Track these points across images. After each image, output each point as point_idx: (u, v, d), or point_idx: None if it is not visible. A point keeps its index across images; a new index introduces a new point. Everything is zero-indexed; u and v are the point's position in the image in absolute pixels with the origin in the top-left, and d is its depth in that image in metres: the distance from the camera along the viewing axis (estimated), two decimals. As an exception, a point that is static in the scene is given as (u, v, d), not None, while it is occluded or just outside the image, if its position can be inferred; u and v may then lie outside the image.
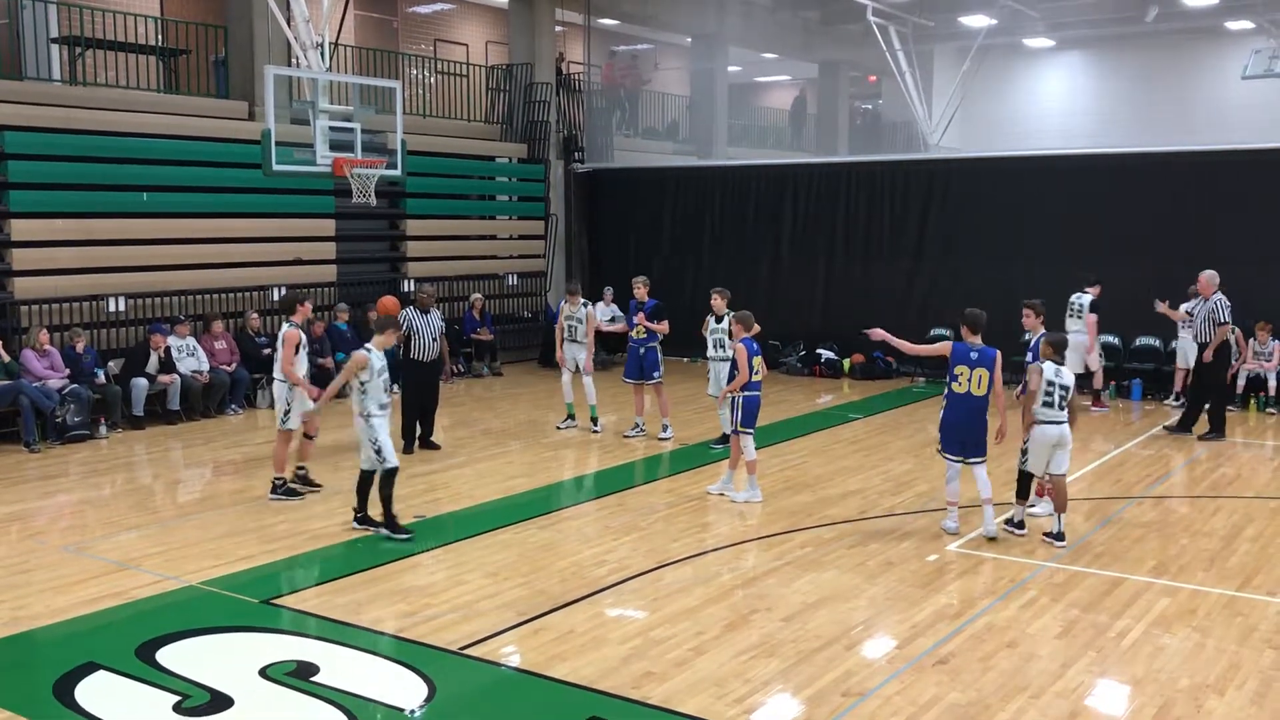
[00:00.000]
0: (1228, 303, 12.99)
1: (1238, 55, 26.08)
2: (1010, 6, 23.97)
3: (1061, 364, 8.85)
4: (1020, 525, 9.11)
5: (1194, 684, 6.30)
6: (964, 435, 8.99)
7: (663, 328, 13.01)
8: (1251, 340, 15.00)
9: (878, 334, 9.81)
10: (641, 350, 13.07)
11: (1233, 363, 14.10)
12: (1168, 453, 12.77)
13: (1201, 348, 13.19)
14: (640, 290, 13.23)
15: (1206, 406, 13.33)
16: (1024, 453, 8.99)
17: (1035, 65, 30.38)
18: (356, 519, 9.31)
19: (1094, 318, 14.74)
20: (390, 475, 9.07)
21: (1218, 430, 13.18)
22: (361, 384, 9.07)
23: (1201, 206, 15.83)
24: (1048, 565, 8.43)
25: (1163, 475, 11.59)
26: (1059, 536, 8.83)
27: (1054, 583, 8.03)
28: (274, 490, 10.33)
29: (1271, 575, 8.22)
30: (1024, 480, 9.12)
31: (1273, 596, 7.76)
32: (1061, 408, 8.74)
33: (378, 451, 9.04)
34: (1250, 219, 15.41)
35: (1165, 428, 13.57)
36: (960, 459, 9.03)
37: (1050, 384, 8.73)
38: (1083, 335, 14.57)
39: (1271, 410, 14.80)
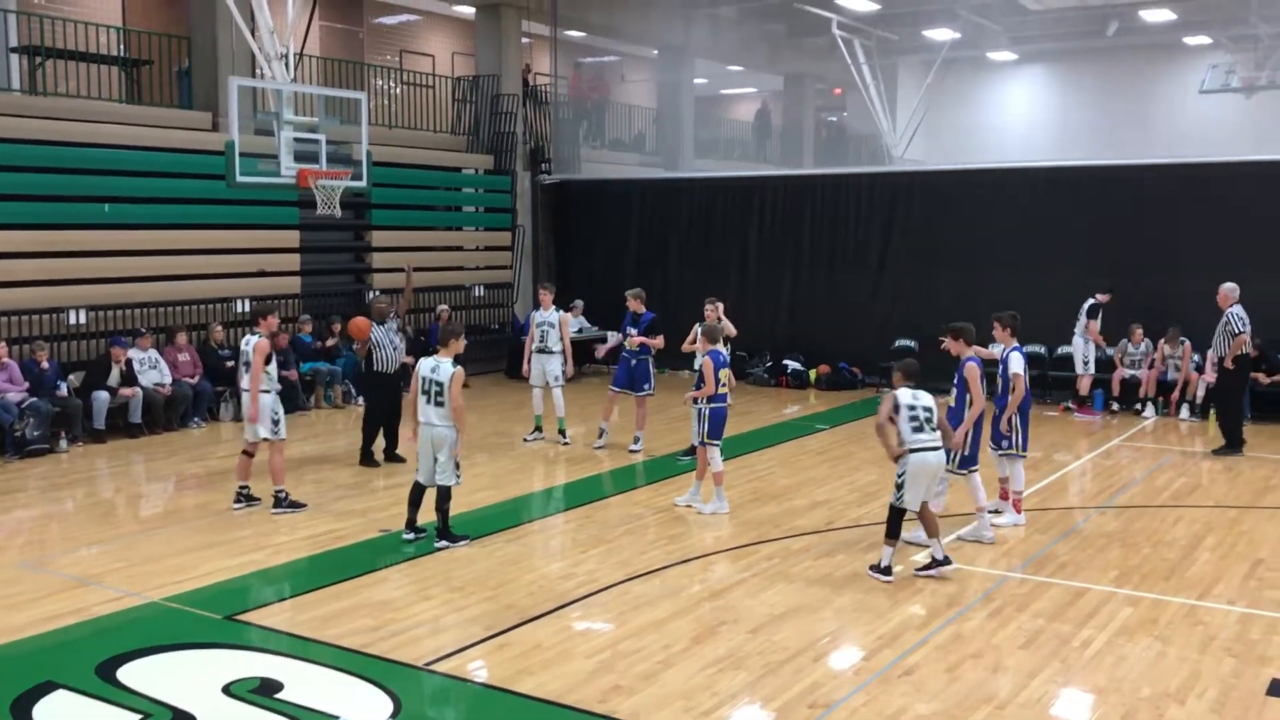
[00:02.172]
0: (1243, 314, 12.94)
1: (1196, 70, 26.52)
2: (973, 20, 24.25)
3: (916, 388, 8.41)
4: (946, 561, 8.38)
5: (1155, 693, 6.37)
6: (976, 447, 9.31)
7: (658, 342, 12.96)
8: (1210, 353, 15.18)
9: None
10: (633, 362, 13.00)
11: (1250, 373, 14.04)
12: (1129, 463, 12.92)
13: (1219, 360, 13.24)
14: (635, 304, 13.10)
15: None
16: (898, 488, 8.27)
17: (998, 79, 30.72)
18: (445, 538, 9.15)
19: (1094, 323, 15.45)
20: (450, 491, 9.15)
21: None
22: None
23: (1161, 219, 16.04)
24: (1012, 576, 8.49)
25: (1125, 485, 11.71)
26: (945, 561, 8.35)
27: (1018, 593, 8.09)
28: (277, 504, 10.20)
29: (1231, 585, 8.32)
30: (896, 518, 8.32)
31: (1232, 605, 7.86)
32: (934, 429, 8.27)
33: (458, 465, 9.08)
34: (1208, 231, 15.61)
35: (1214, 452, 13.20)
36: (966, 470, 9.28)
37: (911, 408, 8.26)
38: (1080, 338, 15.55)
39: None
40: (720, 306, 12.33)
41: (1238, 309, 12.99)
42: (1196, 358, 15.44)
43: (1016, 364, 9.58)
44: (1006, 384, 9.65)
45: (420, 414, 9.06)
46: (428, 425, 9.02)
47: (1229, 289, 13.20)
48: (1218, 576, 8.50)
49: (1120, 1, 24.52)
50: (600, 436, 13.29)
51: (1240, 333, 12.86)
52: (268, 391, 10.09)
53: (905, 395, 8.34)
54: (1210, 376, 15.13)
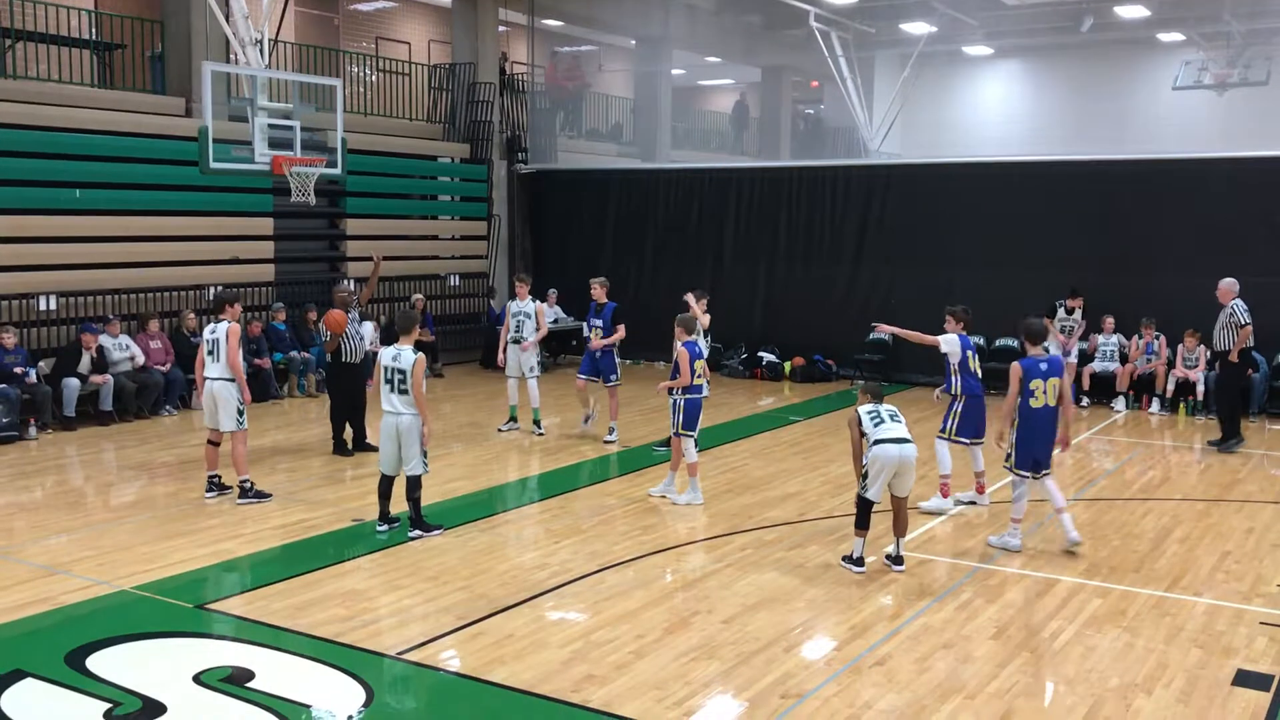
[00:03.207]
0: (1245, 306, 12.90)
1: (1169, 66, 26.71)
2: (950, 14, 24.30)
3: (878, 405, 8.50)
4: (899, 560, 8.44)
5: (1123, 683, 6.43)
6: (1040, 450, 8.81)
7: (618, 336, 12.98)
8: (1180, 347, 15.35)
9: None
10: (598, 353, 13.03)
11: (1252, 368, 14.15)
12: (1100, 455, 13.03)
13: (1221, 354, 13.15)
14: (598, 291, 13.13)
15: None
16: (864, 478, 8.33)
17: (974, 73, 30.84)
18: (418, 527, 9.14)
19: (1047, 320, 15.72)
20: (420, 479, 9.13)
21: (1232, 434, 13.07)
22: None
23: (1132, 214, 16.17)
24: (983, 567, 8.55)
25: (1095, 478, 11.82)
26: (898, 560, 8.42)
27: (989, 584, 8.15)
28: (242, 494, 10.13)
29: (1198, 576, 8.41)
30: (864, 508, 8.33)
31: (1199, 597, 7.95)
32: (896, 420, 8.31)
33: (425, 453, 9.05)
34: (1178, 227, 15.75)
35: (1210, 443, 13.21)
36: (1032, 474, 8.85)
37: (871, 412, 8.34)
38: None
39: (1199, 415, 15.12)
40: (695, 298, 12.33)
41: (1239, 302, 12.95)
42: (1167, 352, 15.59)
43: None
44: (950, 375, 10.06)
45: (384, 402, 9.03)
46: (392, 413, 9.00)
47: (1229, 284, 13.10)
48: (1185, 568, 8.59)
49: (1095, -3, 24.67)
50: (585, 421, 13.25)
51: (1245, 324, 12.82)
52: (232, 380, 10.03)
53: (865, 408, 8.46)
54: (1181, 371, 15.30)
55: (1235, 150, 16.60)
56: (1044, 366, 8.82)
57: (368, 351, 12.36)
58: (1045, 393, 8.77)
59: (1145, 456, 12.92)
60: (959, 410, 10.02)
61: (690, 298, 12.26)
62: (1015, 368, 8.86)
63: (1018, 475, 8.92)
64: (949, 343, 9.96)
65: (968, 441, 10.16)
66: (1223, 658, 6.83)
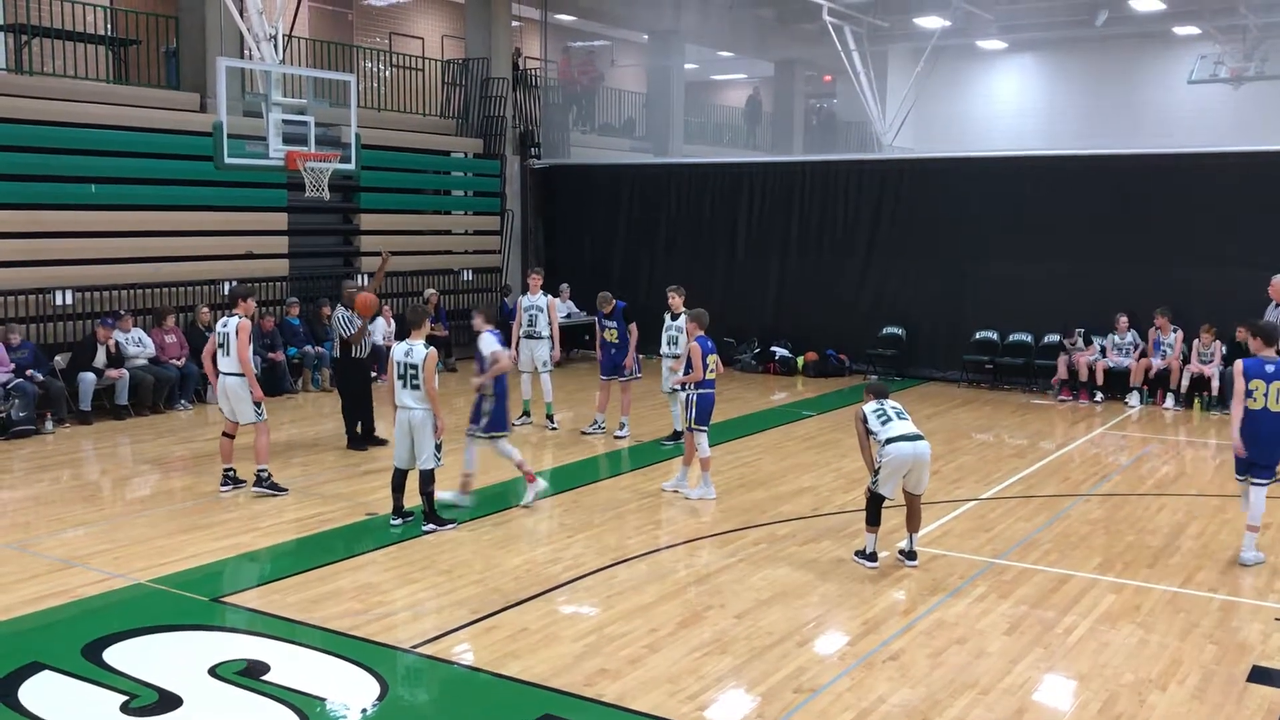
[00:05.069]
0: None
1: (1184, 60, 26.59)
2: (964, 9, 24.23)
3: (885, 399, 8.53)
4: (912, 555, 8.42)
5: (1138, 679, 6.42)
6: (1258, 453, 8.37)
7: (633, 335, 13.02)
8: (1195, 342, 15.27)
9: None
10: (613, 350, 13.06)
11: None
12: (1114, 451, 12.99)
13: None
14: (606, 307, 13.09)
15: None
16: (876, 472, 8.28)
17: (988, 67, 30.74)
18: (432, 521, 9.17)
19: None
20: (433, 473, 9.16)
21: None
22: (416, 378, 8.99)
23: (1146, 209, 16.10)
24: (996, 562, 8.54)
25: (1109, 473, 11.78)
26: (911, 555, 8.39)
27: (1002, 579, 8.14)
28: (258, 482, 10.19)
29: (1213, 572, 8.38)
30: (875, 504, 8.29)
31: (1214, 593, 7.92)
32: (903, 418, 8.31)
33: (438, 447, 9.09)
34: (1193, 222, 15.67)
35: None
36: (1244, 478, 8.55)
37: (878, 410, 8.37)
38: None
39: (1214, 410, 15.05)
40: (674, 293, 12.37)
41: None
42: (1182, 347, 15.51)
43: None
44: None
45: (396, 398, 9.06)
46: (404, 409, 9.03)
47: None
48: (1200, 564, 8.56)
49: (1110, -9, 24.58)
50: (594, 425, 13.26)
51: None
52: (243, 375, 10.06)
53: (870, 405, 8.48)
54: (1196, 366, 15.22)
55: (1250, 144, 16.49)
56: (1269, 368, 8.29)
57: (375, 345, 12.39)
58: (1266, 395, 8.26)
59: (1160, 452, 12.87)
60: (489, 410, 9.77)
61: (672, 294, 12.31)
62: (1237, 365, 8.49)
63: (1238, 480, 8.67)
64: (486, 343, 9.72)
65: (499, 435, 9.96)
66: (1238, 654, 6.81)
